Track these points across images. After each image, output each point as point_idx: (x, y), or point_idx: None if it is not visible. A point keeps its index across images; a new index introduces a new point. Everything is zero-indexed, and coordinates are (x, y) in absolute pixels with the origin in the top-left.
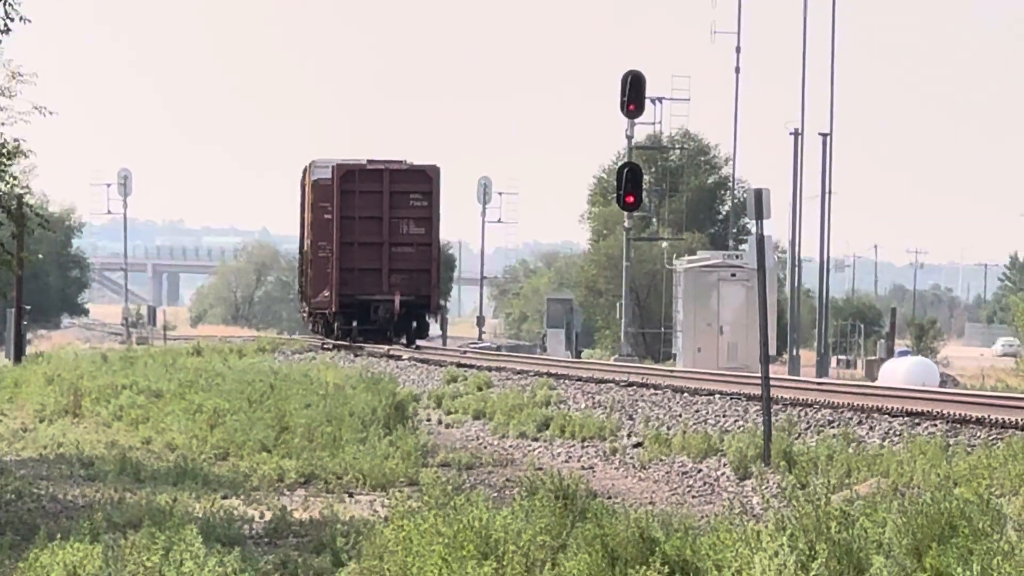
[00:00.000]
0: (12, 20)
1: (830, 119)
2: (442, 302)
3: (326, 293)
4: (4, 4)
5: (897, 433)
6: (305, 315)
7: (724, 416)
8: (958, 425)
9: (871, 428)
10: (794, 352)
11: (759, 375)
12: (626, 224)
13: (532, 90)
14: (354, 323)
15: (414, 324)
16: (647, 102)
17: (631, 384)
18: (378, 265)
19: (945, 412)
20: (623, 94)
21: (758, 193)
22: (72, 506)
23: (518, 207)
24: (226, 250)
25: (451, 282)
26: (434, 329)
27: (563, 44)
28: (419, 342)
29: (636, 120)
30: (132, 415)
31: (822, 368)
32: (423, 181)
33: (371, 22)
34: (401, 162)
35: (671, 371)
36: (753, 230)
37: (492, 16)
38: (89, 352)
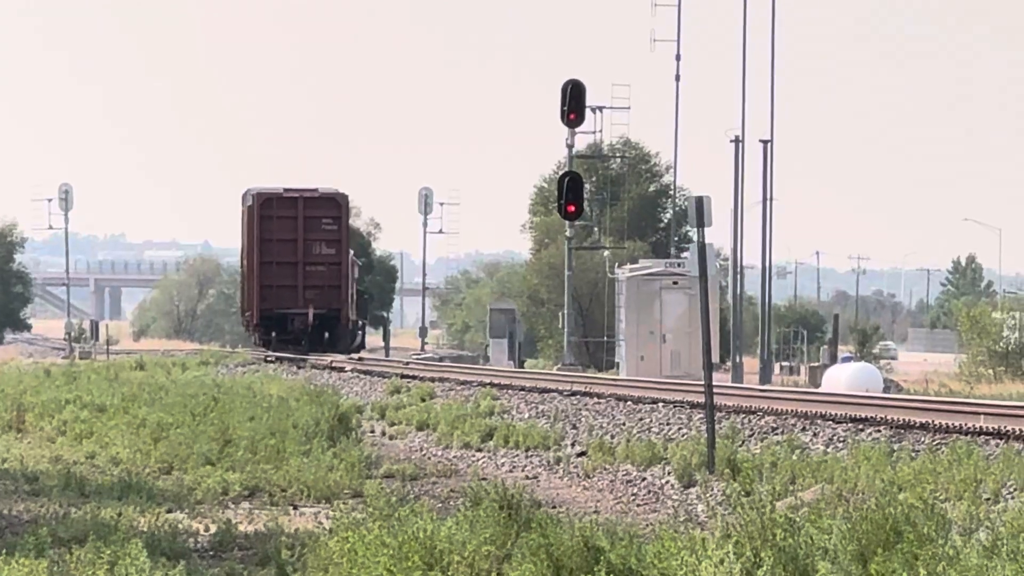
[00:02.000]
0: None
1: (771, 126)
2: (384, 313)
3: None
4: None
5: (841, 439)
6: (245, 328)
7: (668, 424)
8: (902, 431)
9: (815, 435)
10: (737, 359)
11: (702, 383)
12: (567, 233)
13: (472, 100)
14: (273, 333)
15: (326, 334)
16: (587, 111)
17: (574, 393)
18: (294, 282)
19: (889, 418)
20: (563, 103)
21: (699, 201)
22: (17, 521)
23: (459, 217)
24: (168, 264)
25: (393, 293)
26: (377, 340)
27: (502, 53)
28: (361, 353)
29: (576, 129)
30: (76, 430)
31: (765, 375)
32: (333, 207)
33: (313, 34)
34: (314, 190)
35: (614, 380)
36: (695, 238)
37: (431, 25)
38: (32, 367)
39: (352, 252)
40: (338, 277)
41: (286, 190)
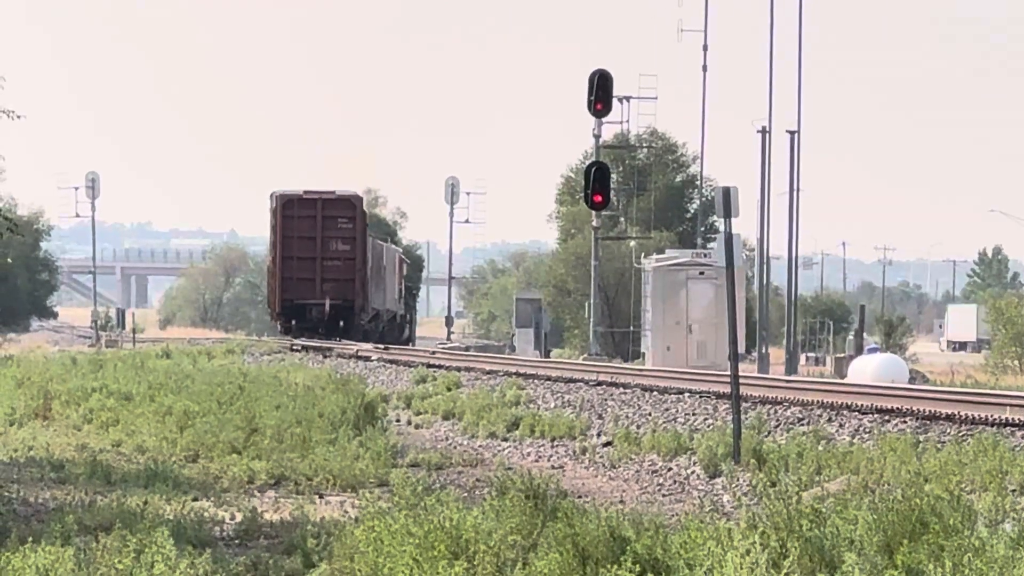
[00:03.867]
0: None
1: (798, 116)
2: (410, 303)
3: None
4: None
5: (867, 430)
6: (270, 317)
7: (694, 414)
8: (928, 422)
9: (841, 425)
10: (763, 350)
11: (728, 373)
12: (594, 223)
13: (499, 89)
14: (293, 321)
15: (341, 323)
16: (614, 101)
17: (600, 383)
18: (312, 275)
19: (915, 409)
20: (590, 93)
21: (726, 191)
22: (43, 509)
23: (486, 207)
24: (194, 252)
25: (419, 282)
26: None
27: (530, 43)
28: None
29: (603, 119)
30: (102, 418)
31: (791, 366)
32: (348, 208)
33: (342, 24)
34: (331, 192)
35: (640, 370)
36: (721, 228)
37: (460, 15)
38: (58, 355)
39: (400, 251)
40: (352, 271)
41: (306, 192)
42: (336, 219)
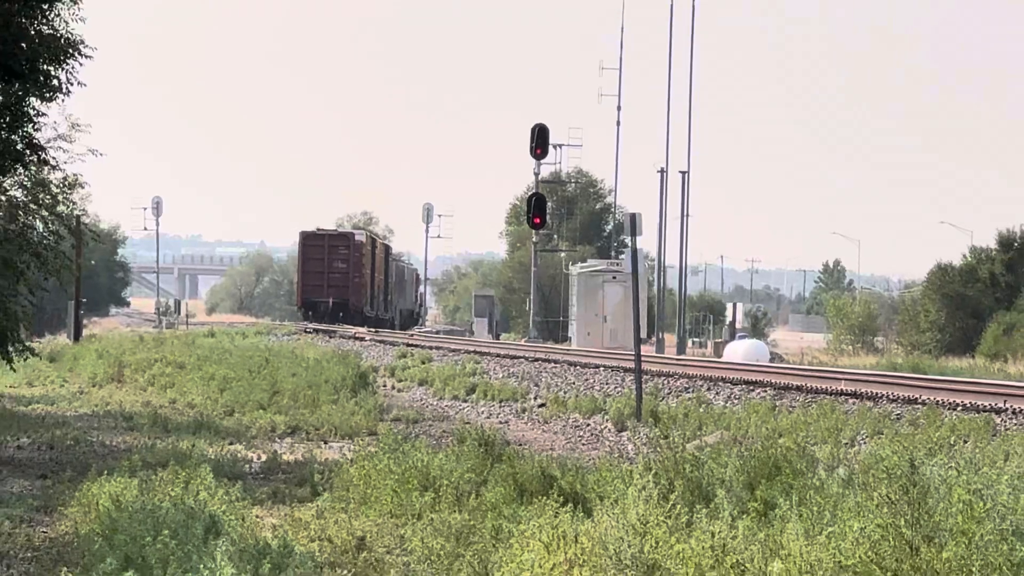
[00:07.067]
0: (72, 84)
1: (687, 160)
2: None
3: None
4: (64, 72)
5: (737, 397)
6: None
7: (607, 384)
8: (783, 391)
9: (717, 393)
10: (660, 336)
11: (633, 353)
12: (534, 239)
13: (466, 138)
14: (310, 313)
15: (341, 314)
16: (550, 147)
17: (537, 359)
18: (322, 283)
19: (773, 381)
20: (532, 141)
21: (633, 216)
22: (116, 450)
23: (453, 225)
24: (234, 257)
25: None
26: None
27: (488, 104)
28: (378, 329)
29: (542, 161)
30: (161, 382)
31: (681, 348)
32: (344, 240)
33: (354, 91)
34: (335, 230)
35: (567, 350)
36: (629, 244)
37: (435, 84)
38: (129, 334)
39: (417, 269)
40: (347, 281)
41: (318, 229)
42: (337, 247)
